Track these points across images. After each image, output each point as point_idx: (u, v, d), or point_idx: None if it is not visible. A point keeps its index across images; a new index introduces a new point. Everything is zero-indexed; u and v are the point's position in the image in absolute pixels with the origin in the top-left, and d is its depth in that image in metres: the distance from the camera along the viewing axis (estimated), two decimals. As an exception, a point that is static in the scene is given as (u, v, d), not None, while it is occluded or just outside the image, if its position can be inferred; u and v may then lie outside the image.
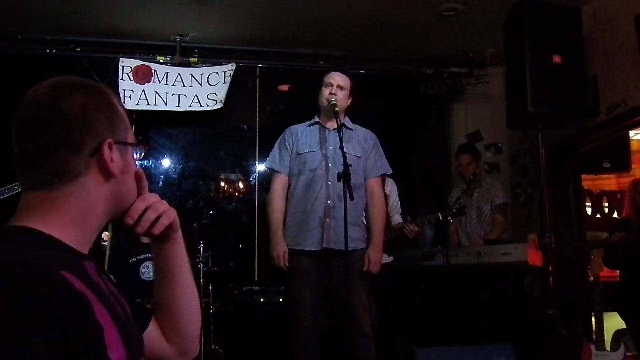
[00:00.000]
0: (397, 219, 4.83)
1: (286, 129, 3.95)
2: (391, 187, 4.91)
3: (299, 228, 3.69)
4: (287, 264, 3.64)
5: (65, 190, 1.08)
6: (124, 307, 1.12)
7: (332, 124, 3.79)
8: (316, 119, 3.90)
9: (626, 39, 4.38)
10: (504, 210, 5.30)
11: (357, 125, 3.91)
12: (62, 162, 1.06)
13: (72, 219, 1.08)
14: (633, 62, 4.31)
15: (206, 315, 4.62)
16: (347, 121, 3.81)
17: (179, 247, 1.33)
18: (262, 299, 4.95)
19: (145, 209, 1.22)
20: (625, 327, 4.47)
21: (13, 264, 0.91)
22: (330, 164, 3.69)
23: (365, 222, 3.88)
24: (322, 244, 3.60)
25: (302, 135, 3.86)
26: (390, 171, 4.02)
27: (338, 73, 3.83)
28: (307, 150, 3.78)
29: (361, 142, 3.84)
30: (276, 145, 3.94)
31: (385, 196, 4.80)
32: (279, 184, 3.84)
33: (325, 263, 3.64)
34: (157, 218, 1.23)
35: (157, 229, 1.24)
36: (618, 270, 4.70)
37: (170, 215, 1.26)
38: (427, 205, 6.53)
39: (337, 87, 3.74)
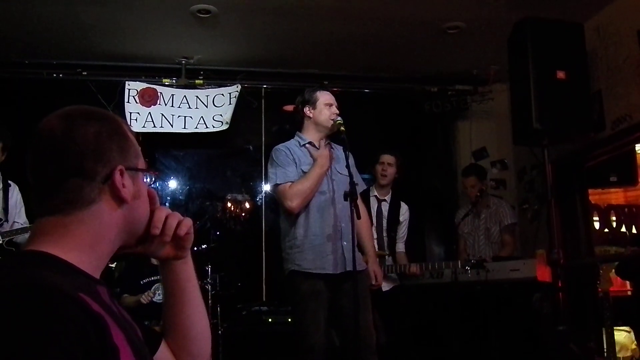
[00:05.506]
0: (401, 247, 4.82)
1: (278, 148, 3.68)
2: (406, 214, 4.88)
3: (318, 252, 3.51)
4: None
5: (79, 216, 1.10)
6: (135, 331, 1.13)
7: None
8: (305, 138, 3.70)
9: (629, 53, 4.39)
10: (512, 230, 5.30)
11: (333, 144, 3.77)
12: (76, 189, 1.09)
13: (85, 244, 1.10)
14: (637, 76, 4.32)
15: (215, 337, 4.60)
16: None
17: (189, 267, 1.36)
18: (270, 320, 4.94)
19: (166, 218, 1.26)
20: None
21: (34, 284, 0.92)
22: (334, 185, 3.60)
23: None
24: (343, 266, 3.49)
25: (299, 155, 3.65)
26: (365, 187, 4.03)
27: (328, 93, 3.73)
28: None
29: (343, 160, 3.65)
30: (277, 163, 3.61)
31: (399, 222, 4.80)
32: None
33: (336, 285, 3.53)
34: (178, 224, 1.28)
35: (182, 230, 1.28)
36: (628, 284, 4.67)
37: (188, 221, 1.30)
38: (434, 223, 6.54)
39: (335, 107, 3.66)
